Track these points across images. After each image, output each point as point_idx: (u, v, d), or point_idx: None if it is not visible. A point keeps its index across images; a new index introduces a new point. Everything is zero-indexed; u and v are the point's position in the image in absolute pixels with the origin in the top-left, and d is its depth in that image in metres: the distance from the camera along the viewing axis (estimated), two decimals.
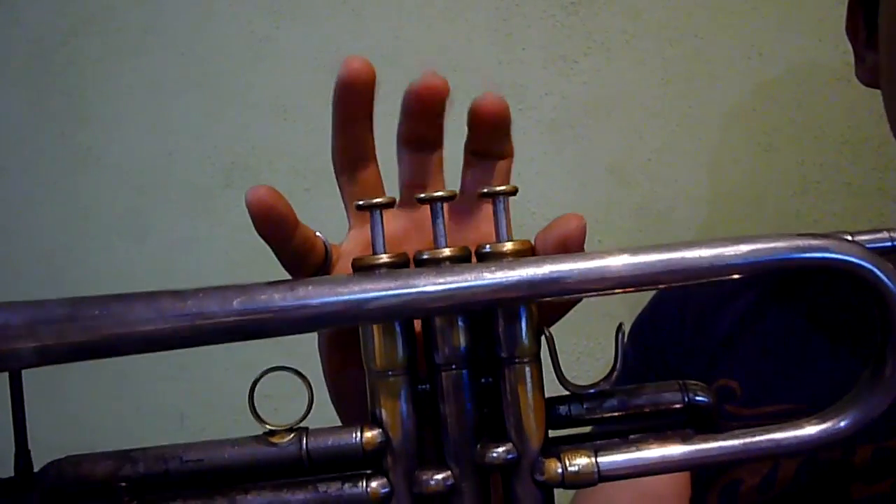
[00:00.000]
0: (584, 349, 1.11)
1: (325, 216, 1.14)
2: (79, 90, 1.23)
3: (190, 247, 1.21)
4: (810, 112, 1.05)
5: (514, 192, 0.45)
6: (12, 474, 0.43)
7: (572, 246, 0.44)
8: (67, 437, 1.22)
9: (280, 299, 0.41)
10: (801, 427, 0.45)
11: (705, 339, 0.82)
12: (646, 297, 0.91)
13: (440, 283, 0.41)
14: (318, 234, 0.49)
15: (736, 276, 0.43)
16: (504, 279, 0.41)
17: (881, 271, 0.42)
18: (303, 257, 0.48)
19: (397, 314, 0.42)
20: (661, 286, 0.43)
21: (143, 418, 1.21)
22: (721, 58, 1.07)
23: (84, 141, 1.23)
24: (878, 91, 0.76)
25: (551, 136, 1.11)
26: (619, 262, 0.42)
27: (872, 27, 0.76)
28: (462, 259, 0.44)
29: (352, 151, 0.51)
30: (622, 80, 1.09)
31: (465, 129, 0.52)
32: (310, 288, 0.41)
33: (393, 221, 0.51)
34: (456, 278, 0.41)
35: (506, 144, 0.52)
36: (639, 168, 1.09)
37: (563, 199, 1.11)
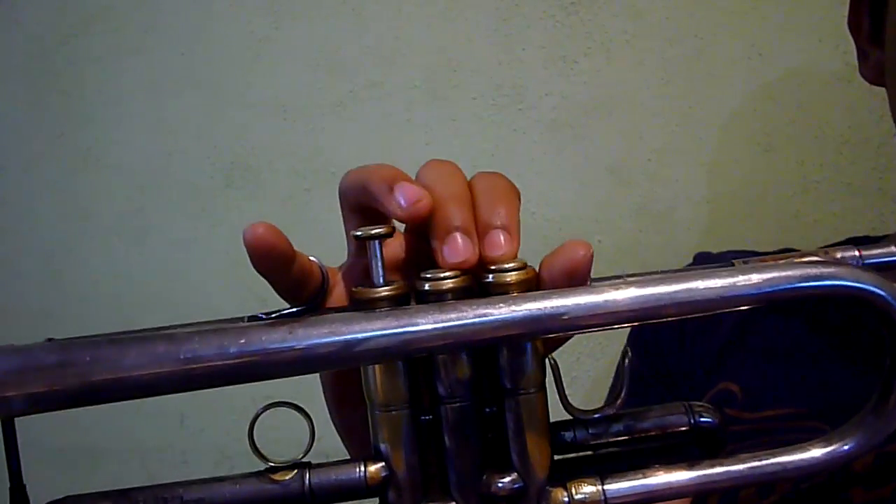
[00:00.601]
0: (584, 349, 1.12)
1: (325, 216, 1.15)
2: (79, 90, 1.23)
3: (190, 247, 1.21)
4: (810, 112, 1.05)
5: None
6: None
7: (579, 276, 0.44)
8: (67, 437, 1.23)
9: (279, 341, 0.40)
10: (806, 450, 0.45)
11: (706, 342, 0.82)
12: None
13: (443, 322, 0.40)
14: (312, 258, 0.48)
15: (745, 308, 0.43)
16: (509, 316, 0.41)
17: (894, 299, 0.42)
18: (299, 287, 0.47)
19: (399, 355, 0.42)
20: (671, 318, 0.42)
21: (143, 419, 1.21)
22: (721, 58, 1.07)
23: (84, 141, 1.23)
24: (879, 90, 0.76)
25: (551, 136, 1.11)
26: (627, 295, 0.41)
27: (878, 23, 0.74)
28: (464, 290, 0.43)
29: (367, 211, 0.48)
30: (622, 80, 1.09)
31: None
32: (309, 329, 0.40)
33: (397, 244, 0.50)
34: (459, 315, 0.40)
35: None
36: (639, 168, 1.09)
37: (563, 199, 1.11)
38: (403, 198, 0.44)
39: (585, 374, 1.11)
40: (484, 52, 1.11)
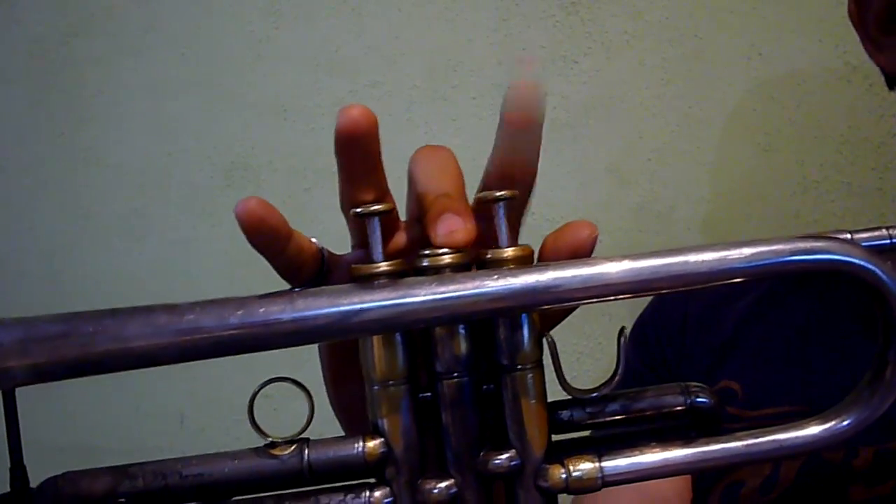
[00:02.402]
0: (584, 349, 1.11)
1: (325, 216, 1.14)
2: (79, 90, 1.23)
3: (190, 247, 1.21)
4: (810, 112, 1.05)
5: (513, 196, 0.44)
6: (8, 490, 0.42)
7: (581, 256, 0.44)
8: (67, 436, 1.23)
9: (278, 312, 0.40)
10: (803, 428, 0.45)
11: (707, 340, 0.81)
12: (647, 297, 0.91)
13: (440, 293, 0.40)
14: (313, 239, 0.48)
15: (738, 280, 0.43)
16: (505, 287, 0.41)
17: (883, 272, 0.42)
18: (298, 266, 0.47)
19: (397, 326, 0.42)
20: (663, 291, 0.42)
21: (143, 418, 1.21)
22: (721, 58, 1.07)
23: (84, 141, 1.23)
24: (878, 91, 0.75)
25: (551, 136, 1.10)
26: (620, 268, 0.41)
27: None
28: (462, 266, 0.43)
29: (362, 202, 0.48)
30: (622, 80, 1.09)
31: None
32: (308, 300, 0.40)
33: (400, 234, 0.50)
34: (456, 287, 0.40)
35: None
36: (639, 168, 1.09)
37: (563, 199, 1.10)
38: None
39: (585, 374, 1.11)
40: (484, 52, 1.12)
